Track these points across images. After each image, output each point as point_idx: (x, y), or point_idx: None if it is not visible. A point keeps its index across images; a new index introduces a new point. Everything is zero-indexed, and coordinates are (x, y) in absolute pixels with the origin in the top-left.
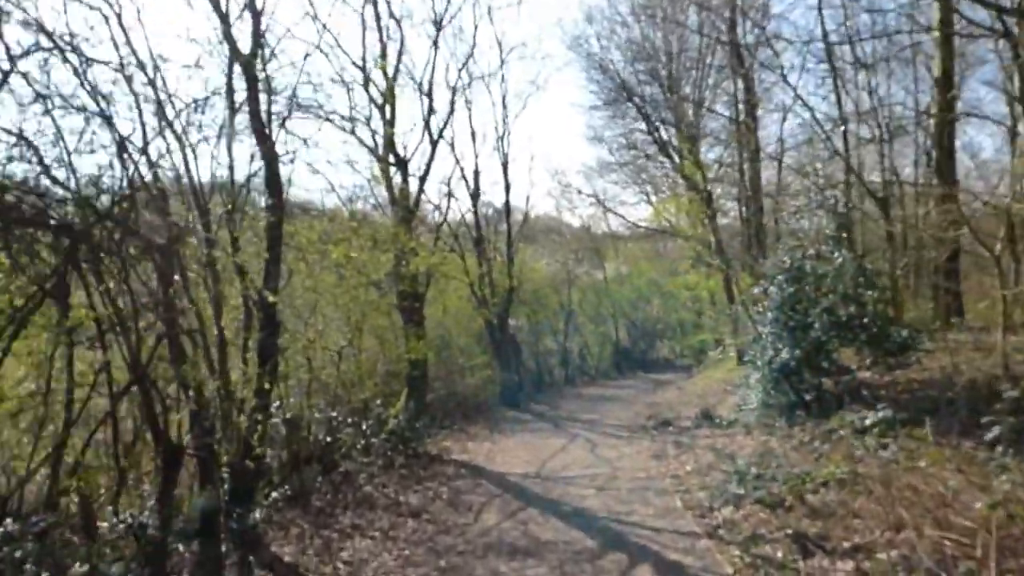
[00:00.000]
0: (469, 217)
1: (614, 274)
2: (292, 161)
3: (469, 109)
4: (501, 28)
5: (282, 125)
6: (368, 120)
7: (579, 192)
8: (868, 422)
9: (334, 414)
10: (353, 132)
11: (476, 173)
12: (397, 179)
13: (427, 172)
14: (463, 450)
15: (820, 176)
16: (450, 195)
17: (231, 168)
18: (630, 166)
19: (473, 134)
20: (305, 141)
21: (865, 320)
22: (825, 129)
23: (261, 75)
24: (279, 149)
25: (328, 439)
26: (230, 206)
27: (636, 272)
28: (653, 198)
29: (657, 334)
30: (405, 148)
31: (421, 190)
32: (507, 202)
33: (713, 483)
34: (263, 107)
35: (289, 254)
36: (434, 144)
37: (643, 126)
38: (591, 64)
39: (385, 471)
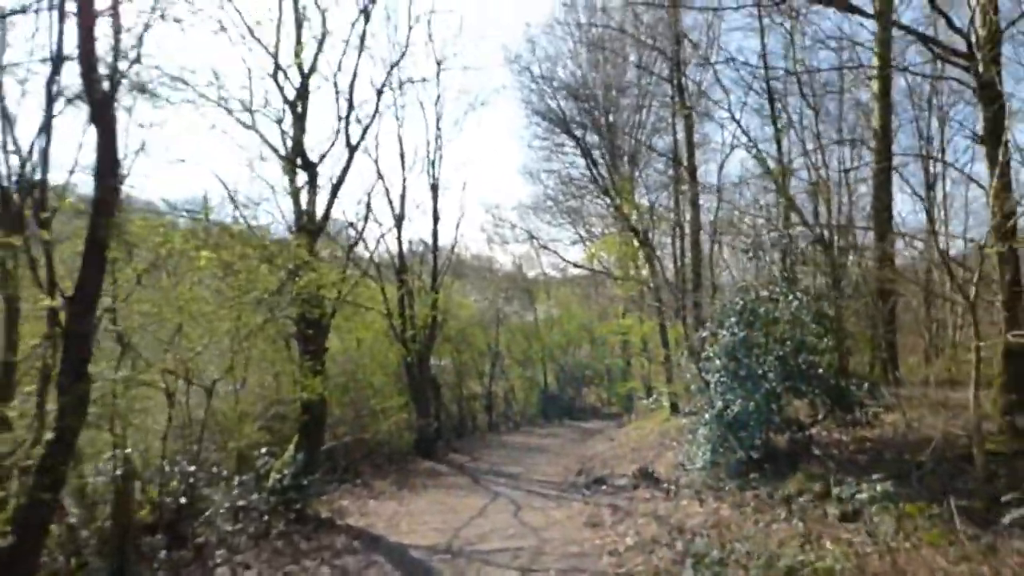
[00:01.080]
0: (393, 244)
1: (545, 316)
2: (143, 147)
3: (399, 123)
4: (440, 38)
5: (142, 91)
6: (279, 121)
7: (513, 227)
8: (863, 495)
9: (192, 468)
10: (254, 126)
11: (403, 196)
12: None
13: (340, 181)
14: (363, 511)
15: (764, 216)
16: (369, 212)
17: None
18: (566, 204)
19: (402, 154)
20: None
21: (820, 371)
22: (770, 169)
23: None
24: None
25: (182, 500)
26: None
27: (567, 316)
28: (588, 241)
29: (584, 380)
30: (321, 158)
31: (332, 200)
32: (435, 231)
33: (662, 565)
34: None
35: (140, 260)
36: (351, 150)
37: (581, 162)
38: (530, 92)
39: (256, 543)
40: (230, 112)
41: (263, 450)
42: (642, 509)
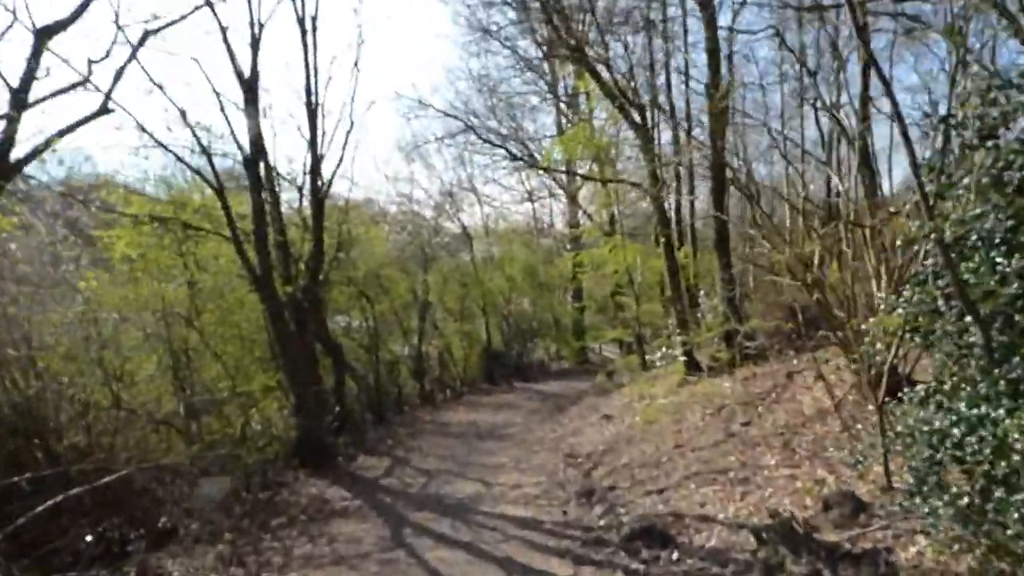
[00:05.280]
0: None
1: (484, 254)
2: None
3: None
4: None
5: None
6: None
7: (439, 139)
8: None
9: None
10: None
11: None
12: None
13: None
14: None
15: None
16: None
17: None
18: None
19: None
20: None
21: None
22: None
23: None
24: None
25: None
26: None
27: (508, 257)
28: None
29: (532, 333)
30: None
31: None
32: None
33: None
34: None
35: None
36: None
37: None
38: None
39: None
40: None
41: None
42: None
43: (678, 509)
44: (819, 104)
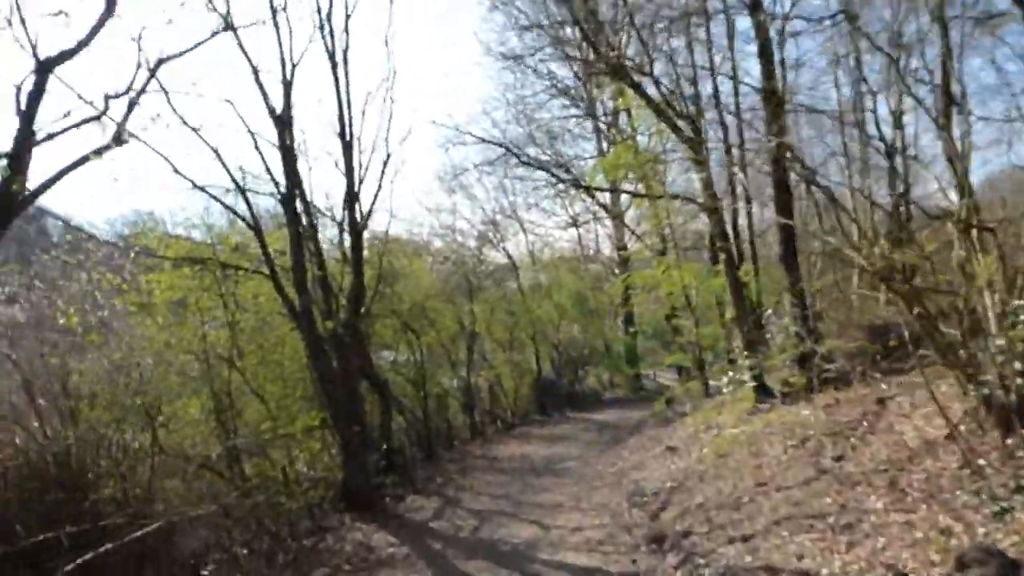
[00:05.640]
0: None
1: (531, 282)
2: None
3: None
4: None
5: None
6: None
7: (477, 169)
8: None
9: None
10: None
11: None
12: None
13: None
14: None
15: None
16: None
17: None
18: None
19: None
20: None
21: None
22: None
23: None
24: None
25: None
26: None
27: (556, 284)
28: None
29: (584, 361)
30: None
31: None
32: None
33: None
34: None
35: None
36: None
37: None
38: None
39: None
40: None
41: None
42: None
43: (770, 562)
44: (904, 87)
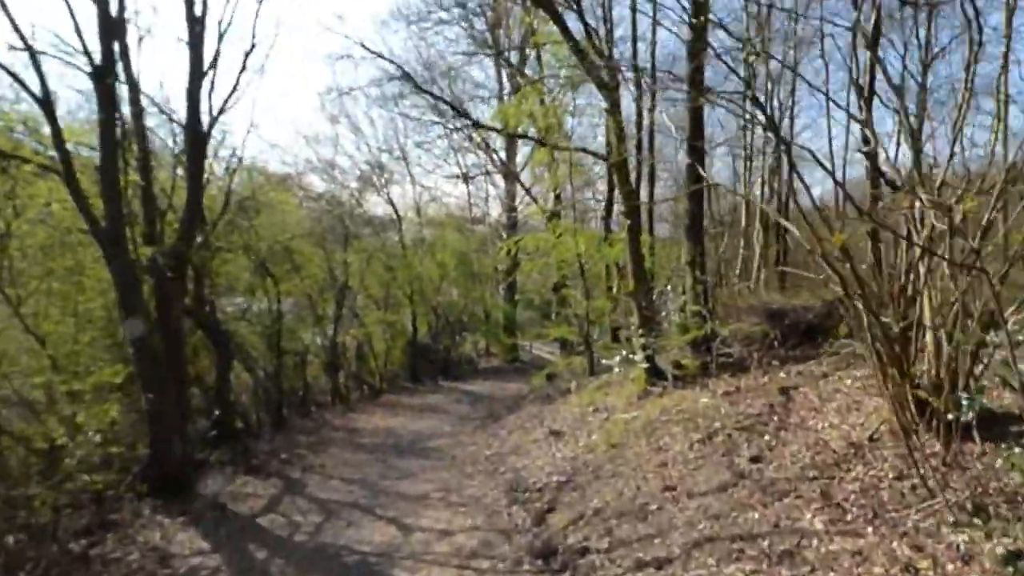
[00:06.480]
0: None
1: (414, 237)
2: None
3: None
4: None
5: None
6: None
7: (374, 55)
8: None
9: None
10: None
11: None
12: None
13: None
14: None
15: None
16: None
17: None
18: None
19: None
20: None
21: None
22: None
23: None
24: None
25: None
26: None
27: (440, 241)
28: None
29: (462, 327)
30: None
31: None
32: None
33: None
34: None
35: None
36: None
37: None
38: None
39: None
40: None
41: None
42: None
43: None
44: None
